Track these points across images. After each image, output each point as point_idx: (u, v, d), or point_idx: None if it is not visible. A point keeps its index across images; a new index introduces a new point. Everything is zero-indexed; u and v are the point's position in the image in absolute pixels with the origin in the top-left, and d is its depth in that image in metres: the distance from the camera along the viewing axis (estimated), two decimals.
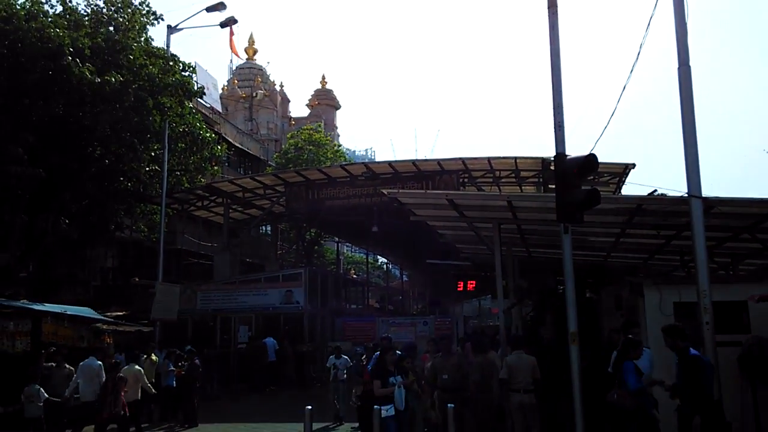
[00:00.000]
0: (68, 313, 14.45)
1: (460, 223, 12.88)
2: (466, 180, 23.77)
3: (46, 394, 11.35)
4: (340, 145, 49.16)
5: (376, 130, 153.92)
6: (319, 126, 45.50)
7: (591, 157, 7.58)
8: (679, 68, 8.08)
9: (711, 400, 6.85)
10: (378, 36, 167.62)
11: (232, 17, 21.30)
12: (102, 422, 10.80)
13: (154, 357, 14.49)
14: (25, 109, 16.59)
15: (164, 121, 18.91)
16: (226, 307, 23.38)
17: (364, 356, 11.82)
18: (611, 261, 15.77)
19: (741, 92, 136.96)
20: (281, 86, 63.58)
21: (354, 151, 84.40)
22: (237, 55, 58.52)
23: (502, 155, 22.58)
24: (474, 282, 23.99)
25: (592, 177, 20.29)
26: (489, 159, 22.68)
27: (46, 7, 18.02)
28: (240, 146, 37.59)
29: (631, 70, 9.09)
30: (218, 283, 24.81)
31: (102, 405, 10.82)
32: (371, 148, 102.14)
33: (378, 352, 10.18)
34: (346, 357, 14.24)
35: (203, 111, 30.42)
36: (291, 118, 63.28)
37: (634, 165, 20.73)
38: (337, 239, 42.32)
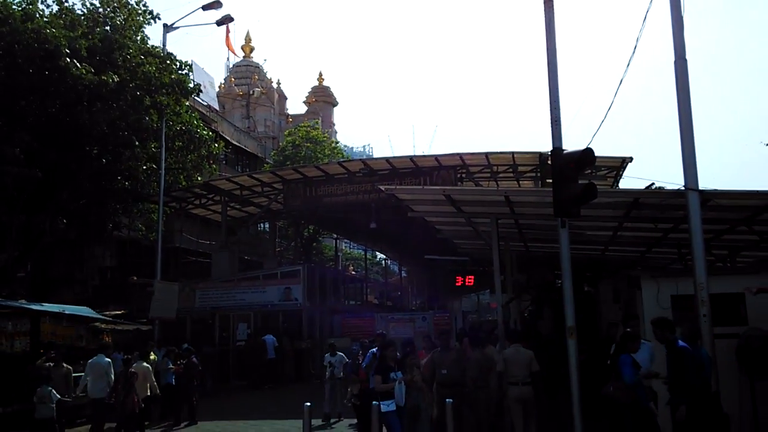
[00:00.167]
0: (66, 312, 14.47)
1: (457, 218, 12.89)
2: (463, 175, 23.78)
3: (58, 395, 11.45)
4: (337, 142, 49.09)
5: (374, 127, 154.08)
6: (317, 123, 45.48)
7: (587, 152, 7.59)
8: (675, 61, 8.09)
9: (697, 391, 6.89)
10: (375, 32, 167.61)
11: (228, 15, 21.28)
12: (119, 418, 10.98)
13: (152, 356, 14.50)
14: (22, 110, 16.57)
15: (161, 120, 18.90)
16: (225, 304, 23.40)
17: (360, 354, 11.78)
18: (609, 254, 15.80)
19: (740, 85, 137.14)
20: (278, 84, 63.46)
21: (352, 148, 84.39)
22: (234, 52, 58.45)
23: (499, 150, 22.60)
24: (472, 277, 24.00)
25: (589, 171, 20.37)
26: (486, 154, 22.68)
27: (42, 6, 17.99)
28: (237, 144, 37.54)
29: (628, 64, 9.11)
30: (216, 281, 24.82)
31: (114, 401, 11.08)
32: (369, 145, 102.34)
33: (373, 349, 10.16)
34: (341, 354, 14.14)
35: (200, 109, 30.38)
36: (288, 115, 63.17)
37: (631, 159, 20.74)
38: (335, 236, 42.31)
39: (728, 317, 8.93)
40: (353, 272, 48.72)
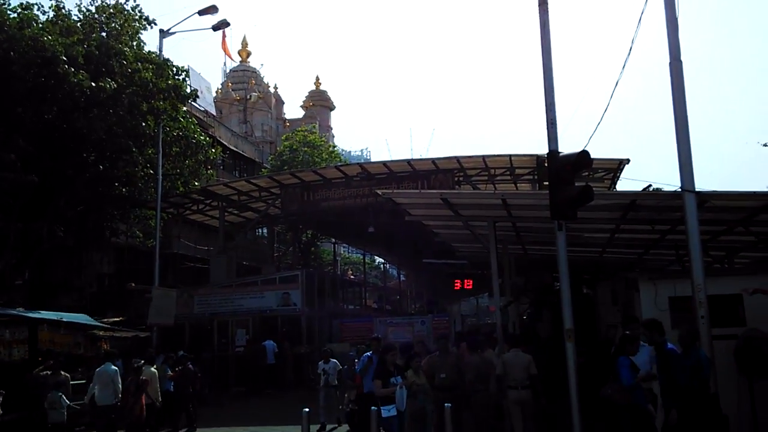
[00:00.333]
0: (64, 320, 14.41)
1: (455, 222, 12.89)
2: (461, 178, 23.77)
3: (68, 401, 11.57)
4: (335, 146, 49.08)
5: (372, 131, 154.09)
6: (314, 127, 45.45)
7: (584, 154, 7.61)
8: (670, 63, 8.12)
9: (684, 394, 6.89)
10: (372, 36, 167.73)
11: (225, 20, 21.29)
12: (127, 424, 11.11)
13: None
14: (18, 116, 16.56)
15: (158, 126, 18.88)
16: (223, 310, 23.34)
17: (356, 360, 11.71)
18: (607, 256, 15.80)
19: (737, 85, 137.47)
20: (275, 88, 63.48)
21: (349, 152, 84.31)
22: (230, 57, 58.40)
23: (496, 153, 22.59)
24: (471, 280, 24.03)
25: (586, 173, 20.39)
26: (483, 157, 22.68)
27: (38, 12, 17.99)
28: (235, 149, 37.53)
29: (623, 66, 9.13)
30: (215, 286, 24.77)
31: (123, 408, 11.23)
32: (367, 149, 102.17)
33: (368, 354, 10.09)
34: (335, 361, 13.99)
35: (197, 114, 30.36)
36: (285, 119, 63.16)
37: (628, 160, 20.77)
38: (333, 240, 42.29)
39: (726, 318, 8.94)
40: (352, 276, 48.70)
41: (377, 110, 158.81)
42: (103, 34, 18.81)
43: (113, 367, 11.85)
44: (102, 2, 19.24)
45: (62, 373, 12.34)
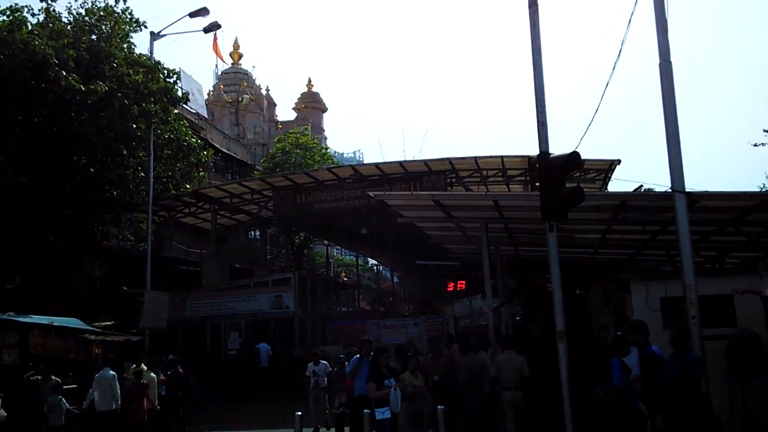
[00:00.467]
0: (55, 324, 14.33)
1: (447, 223, 12.90)
2: (453, 180, 23.79)
3: (67, 405, 11.72)
4: (327, 148, 49.01)
5: (364, 132, 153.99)
6: (306, 129, 45.38)
7: (574, 155, 7.62)
8: (660, 64, 8.16)
9: (663, 398, 6.91)
10: (364, 38, 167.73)
11: (216, 22, 21.20)
12: (132, 430, 11.35)
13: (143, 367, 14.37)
14: (8, 120, 16.46)
15: (149, 128, 18.80)
16: (216, 313, 23.24)
17: (346, 363, 11.63)
18: (599, 257, 15.85)
19: (728, 85, 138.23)
20: (267, 90, 63.42)
21: (342, 154, 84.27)
22: (222, 59, 58.34)
23: (488, 154, 22.60)
24: (464, 282, 24.04)
25: (577, 174, 20.44)
26: (476, 159, 22.71)
27: (27, 15, 17.89)
28: (227, 151, 37.42)
29: (613, 68, 9.16)
30: (207, 289, 24.68)
31: (125, 413, 11.44)
32: (359, 150, 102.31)
33: (357, 356, 10.03)
34: (325, 363, 13.90)
35: (189, 117, 30.25)
36: (278, 122, 63.10)
37: (619, 161, 20.83)
38: (326, 242, 42.23)
39: (718, 319, 8.96)
40: (345, 278, 48.64)
41: (370, 112, 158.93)
42: (93, 36, 18.72)
43: (111, 372, 11.91)
44: (92, 5, 19.15)
45: (53, 378, 12.27)
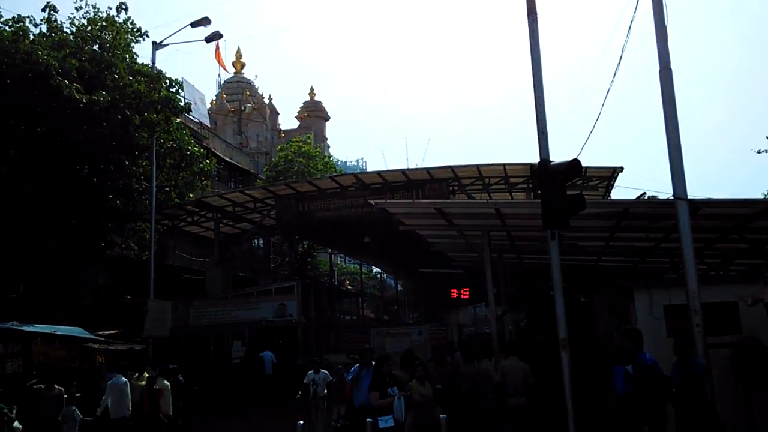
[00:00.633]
0: (59, 333, 14.32)
1: (449, 231, 12.90)
2: (455, 188, 23.77)
3: (81, 415, 11.78)
4: (330, 156, 49.06)
5: (367, 141, 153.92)
6: (309, 138, 45.44)
7: (574, 163, 7.61)
8: (660, 71, 8.16)
9: (651, 407, 6.86)
10: (366, 46, 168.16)
11: (217, 32, 21.32)
12: None
13: (146, 375, 14.35)
14: (11, 129, 16.53)
15: (152, 138, 18.86)
16: (219, 322, 23.24)
17: (345, 373, 11.48)
18: (603, 264, 15.81)
19: (732, 92, 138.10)
20: (270, 99, 63.49)
21: (345, 162, 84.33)
22: (225, 68, 58.50)
23: (490, 162, 22.61)
24: (468, 290, 23.96)
25: (580, 182, 20.44)
26: (478, 166, 22.71)
27: (29, 25, 17.98)
28: (229, 160, 37.50)
29: (614, 75, 9.17)
30: (210, 298, 24.67)
31: (139, 419, 11.66)
32: (362, 158, 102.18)
33: (357, 365, 9.97)
34: (325, 372, 13.79)
35: (191, 126, 30.34)
36: (281, 130, 63.17)
37: (622, 168, 20.79)
38: (330, 250, 42.24)
39: (722, 326, 8.92)
40: (349, 287, 48.59)
41: (373, 121, 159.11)
42: (96, 47, 18.81)
43: (124, 379, 12.08)
44: (94, 15, 19.24)
45: (56, 386, 12.26)
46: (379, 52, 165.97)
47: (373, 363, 9.19)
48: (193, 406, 15.57)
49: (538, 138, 8.26)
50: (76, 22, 19.16)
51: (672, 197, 8.02)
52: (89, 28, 19.02)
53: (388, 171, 25.33)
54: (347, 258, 54.16)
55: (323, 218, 25.21)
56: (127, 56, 19.32)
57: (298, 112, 68.02)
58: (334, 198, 24.89)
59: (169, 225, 26.39)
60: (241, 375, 21.22)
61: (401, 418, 8.30)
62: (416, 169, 26.17)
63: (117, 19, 19.29)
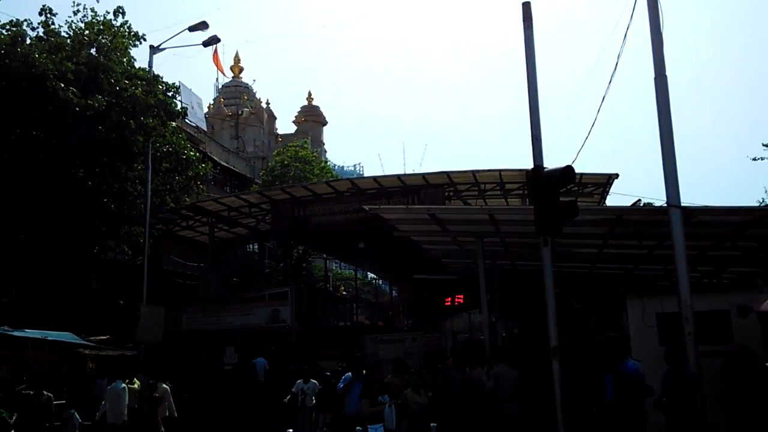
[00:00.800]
0: (49, 339, 14.20)
1: (443, 237, 12.85)
2: (451, 194, 23.76)
3: (79, 419, 11.94)
4: (326, 161, 49.07)
5: (365, 146, 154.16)
6: (306, 143, 45.46)
7: (568, 169, 7.58)
8: (655, 79, 8.17)
9: (629, 418, 6.82)
10: (364, 51, 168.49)
11: (215, 36, 21.32)
12: None
13: (137, 382, 14.24)
14: (6, 132, 16.46)
15: (147, 142, 18.80)
16: (212, 327, 23.12)
17: (333, 380, 11.36)
18: (597, 271, 15.79)
19: (729, 99, 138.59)
20: (268, 103, 63.61)
21: (342, 167, 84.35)
22: (223, 72, 58.49)
23: (486, 168, 22.61)
24: (462, 296, 23.89)
25: (575, 188, 20.44)
26: (473, 172, 22.71)
27: (27, 28, 17.95)
28: (226, 165, 37.45)
29: (609, 82, 9.17)
30: (204, 303, 24.55)
31: (139, 425, 11.81)
32: (360, 164, 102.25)
33: (349, 373, 9.90)
34: (314, 382, 13.63)
35: (188, 130, 30.29)
36: (278, 135, 63.23)
37: (617, 175, 20.82)
38: (325, 256, 42.15)
39: (715, 335, 8.89)
40: (344, 292, 48.48)
41: (370, 126, 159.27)
42: (93, 50, 18.76)
43: (123, 385, 12.13)
44: (92, 18, 19.21)
45: (44, 392, 12.15)
46: (377, 58, 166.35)
47: (364, 371, 9.12)
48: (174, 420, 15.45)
49: (532, 144, 8.24)
50: (74, 26, 19.14)
51: (665, 205, 8.01)
52: (86, 32, 18.97)
53: (383, 176, 25.29)
54: (342, 264, 54.12)
55: (318, 223, 25.14)
56: (125, 60, 19.28)
57: (296, 117, 68.09)
58: (329, 203, 24.84)
59: (163, 229, 26.30)
60: (233, 381, 21.08)
61: (392, 426, 8.23)
62: (412, 174, 26.16)
63: (114, 23, 19.26)
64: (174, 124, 21.33)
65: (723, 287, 12.12)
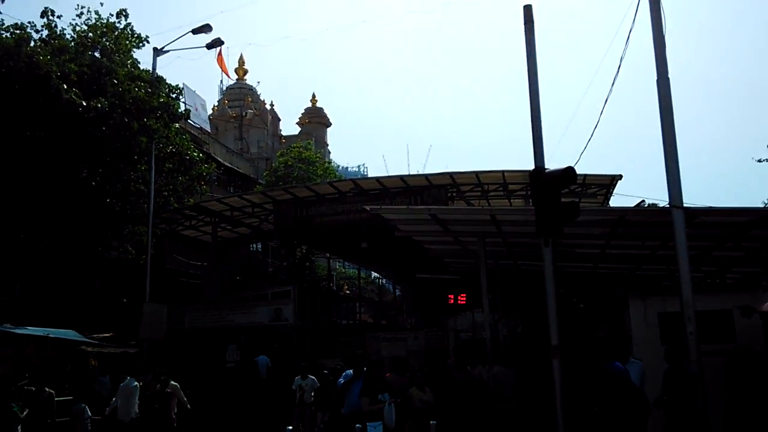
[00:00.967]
0: (51, 336, 14.28)
1: (445, 237, 12.85)
2: (454, 194, 23.76)
3: (90, 413, 12.28)
4: (330, 162, 49.10)
5: (369, 147, 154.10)
6: (309, 144, 45.51)
7: (569, 170, 7.58)
8: (657, 80, 8.17)
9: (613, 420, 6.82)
10: (368, 53, 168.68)
11: (218, 38, 21.37)
12: None
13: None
14: (10, 132, 16.54)
15: (150, 143, 18.85)
16: (215, 326, 23.17)
17: (332, 378, 11.36)
18: (600, 271, 15.77)
19: (735, 100, 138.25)
20: (272, 105, 63.64)
21: (347, 168, 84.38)
22: (227, 74, 58.56)
23: (489, 169, 22.60)
24: (465, 295, 23.89)
25: (579, 189, 20.42)
26: (476, 173, 22.71)
27: (31, 31, 18.02)
28: (229, 165, 37.52)
29: (613, 83, 9.15)
30: (206, 302, 24.60)
31: (151, 420, 12.00)
32: (364, 164, 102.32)
33: (349, 370, 9.89)
34: (313, 377, 13.62)
35: (192, 131, 30.39)
36: (282, 136, 63.27)
37: (621, 176, 20.79)
38: (328, 255, 42.19)
39: (717, 335, 8.87)
40: (347, 291, 48.51)
41: (375, 127, 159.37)
42: (96, 53, 18.83)
43: (135, 382, 12.28)
44: (96, 21, 19.27)
45: (47, 389, 12.20)
46: (381, 60, 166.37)
47: (365, 369, 9.13)
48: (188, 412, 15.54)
49: (534, 145, 8.26)
50: (77, 29, 19.21)
51: (668, 205, 8.00)
52: (90, 34, 19.05)
53: (386, 177, 25.32)
54: (346, 263, 54.20)
55: (321, 223, 25.16)
56: (128, 62, 19.35)
57: (300, 118, 68.12)
58: (332, 203, 24.86)
59: (167, 229, 26.36)
60: (235, 379, 21.11)
61: (391, 424, 8.24)
62: (415, 175, 26.17)
63: (117, 25, 19.33)
64: (177, 125, 21.39)
65: (726, 287, 12.10)
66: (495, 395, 9.41)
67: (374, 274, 53.90)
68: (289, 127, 68.98)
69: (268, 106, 62.71)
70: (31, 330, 14.25)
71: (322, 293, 30.56)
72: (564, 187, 7.80)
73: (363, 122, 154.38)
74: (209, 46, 21.43)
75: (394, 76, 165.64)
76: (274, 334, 23.38)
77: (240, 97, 59.89)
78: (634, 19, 8.59)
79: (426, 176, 23.67)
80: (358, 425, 8.05)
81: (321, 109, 69.75)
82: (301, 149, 40.10)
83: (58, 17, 18.73)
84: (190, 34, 20.28)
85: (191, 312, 23.62)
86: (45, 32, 18.49)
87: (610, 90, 9.19)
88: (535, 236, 8.90)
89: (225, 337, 22.86)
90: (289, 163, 38.47)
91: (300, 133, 63.84)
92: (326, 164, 43.18)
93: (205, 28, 20.18)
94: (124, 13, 19.32)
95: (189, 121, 28.03)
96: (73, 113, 16.40)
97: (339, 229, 25.58)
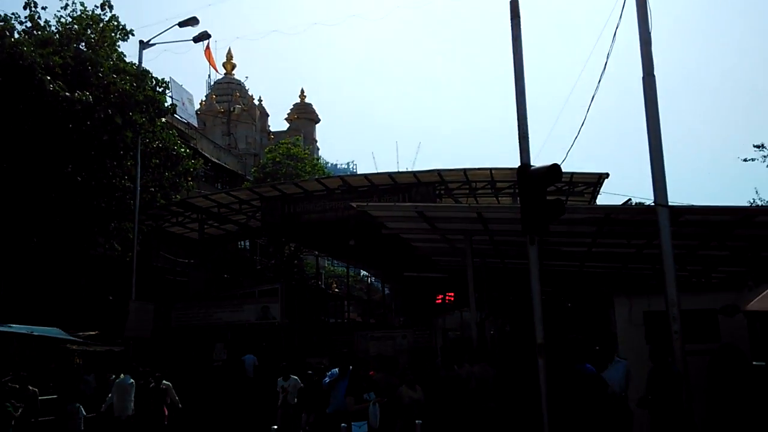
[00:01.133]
0: (35, 334, 14.12)
1: (433, 235, 12.82)
2: (442, 192, 23.73)
3: (84, 412, 12.32)
4: (318, 158, 48.92)
5: (358, 144, 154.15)
6: (298, 140, 45.30)
7: (554, 167, 7.55)
8: (643, 78, 8.14)
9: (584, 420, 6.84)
10: (357, 49, 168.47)
11: (205, 32, 21.19)
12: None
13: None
14: None
15: (136, 138, 18.68)
16: (202, 324, 23.04)
17: (316, 378, 11.27)
18: (586, 270, 15.80)
19: (721, 100, 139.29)
20: (260, 100, 63.26)
21: (336, 164, 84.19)
22: (215, 68, 58.14)
23: (477, 167, 22.57)
24: (452, 294, 23.90)
25: (566, 187, 20.45)
26: (465, 170, 22.68)
27: (15, 23, 17.79)
28: (217, 161, 37.27)
29: (599, 81, 9.14)
30: (193, 300, 24.45)
31: (145, 417, 12.02)
32: (353, 161, 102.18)
33: (334, 369, 9.82)
34: (295, 378, 13.48)
35: (179, 126, 30.11)
36: (270, 132, 62.95)
37: (607, 174, 20.83)
38: (316, 253, 42.06)
39: (702, 334, 8.89)
40: (336, 289, 48.39)
41: (364, 124, 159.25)
42: (82, 45, 18.62)
43: (131, 380, 12.28)
44: (81, 13, 19.06)
45: (30, 387, 12.09)
46: (370, 56, 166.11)
47: (351, 367, 9.08)
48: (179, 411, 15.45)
49: (519, 142, 8.23)
50: (62, 20, 18.99)
51: (653, 204, 8.00)
52: (75, 26, 18.83)
53: (374, 174, 25.23)
54: (335, 261, 54.05)
55: (309, 220, 25.09)
56: (114, 55, 19.14)
57: (288, 114, 67.76)
58: (320, 200, 24.77)
59: (153, 226, 26.14)
60: (222, 378, 21.01)
61: (375, 424, 8.20)
62: (403, 172, 26.11)
63: (102, 17, 19.12)
64: (164, 120, 21.20)
65: (711, 286, 12.15)
66: (480, 393, 9.40)
67: (363, 273, 53.82)
68: (278, 122, 68.56)
69: (256, 102, 62.35)
70: (15, 328, 14.07)
71: (311, 291, 30.46)
72: (550, 184, 7.76)
73: (352, 118, 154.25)
74: (196, 39, 21.25)
75: (384, 72, 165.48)
76: (262, 333, 23.29)
77: (228, 92, 59.49)
78: (620, 17, 8.59)
79: (414, 174, 23.64)
80: (343, 425, 7.99)
81: (310, 104, 69.40)
82: (289, 145, 39.91)
83: (43, 8, 18.53)
84: (177, 27, 20.16)
85: (178, 310, 23.48)
86: (29, 24, 18.29)
87: (596, 88, 9.17)
88: (521, 234, 8.89)
89: (212, 336, 22.73)
90: (278, 159, 38.26)
91: (288, 129, 63.55)
92: (315, 161, 43.01)
93: (192, 21, 20.01)
94: (108, 4, 19.08)
95: (176, 115, 27.76)
96: (57, 106, 16.21)
97: (327, 226, 25.50)
